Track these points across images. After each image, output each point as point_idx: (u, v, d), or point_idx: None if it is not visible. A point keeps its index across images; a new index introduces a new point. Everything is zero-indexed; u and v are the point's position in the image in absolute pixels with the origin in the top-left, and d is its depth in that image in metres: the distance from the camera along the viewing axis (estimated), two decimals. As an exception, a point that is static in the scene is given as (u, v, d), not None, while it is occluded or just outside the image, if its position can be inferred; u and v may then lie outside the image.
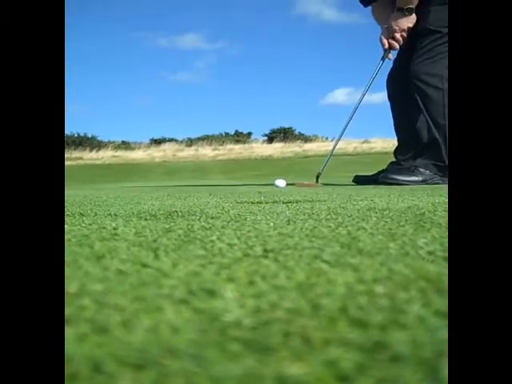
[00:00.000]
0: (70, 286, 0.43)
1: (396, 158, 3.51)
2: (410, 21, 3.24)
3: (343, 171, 3.78)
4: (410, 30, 3.26)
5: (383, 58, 3.46)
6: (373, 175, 3.40)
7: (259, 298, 0.39)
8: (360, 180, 3.51)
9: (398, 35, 3.29)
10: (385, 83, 3.57)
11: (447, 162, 3.19)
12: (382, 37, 3.38)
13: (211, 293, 0.41)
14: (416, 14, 3.23)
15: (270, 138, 27.01)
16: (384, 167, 3.51)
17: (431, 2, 3.17)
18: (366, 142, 20.65)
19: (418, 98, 3.23)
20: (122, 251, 0.62)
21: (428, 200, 1.43)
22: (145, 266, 0.53)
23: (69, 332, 0.32)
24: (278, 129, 28.63)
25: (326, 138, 24.78)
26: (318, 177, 3.41)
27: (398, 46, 3.35)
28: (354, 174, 3.63)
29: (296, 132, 28.26)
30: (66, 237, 0.75)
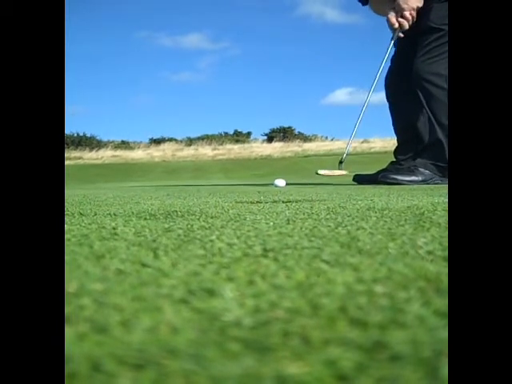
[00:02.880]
0: (70, 286, 0.43)
1: (396, 157, 3.51)
2: (418, 0, 3.16)
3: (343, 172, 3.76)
4: (411, 27, 3.22)
5: (393, 38, 3.34)
6: (373, 174, 3.40)
7: (259, 297, 0.39)
8: (360, 179, 3.50)
9: (407, 13, 3.19)
10: (383, 83, 3.55)
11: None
12: (390, 16, 3.27)
13: (211, 292, 0.41)
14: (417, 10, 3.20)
15: (270, 137, 27.01)
16: (384, 166, 3.50)
17: None
18: (365, 141, 20.66)
19: (421, 97, 3.19)
20: (121, 251, 0.62)
21: (427, 200, 1.43)
22: (144, 265, 0.53)
23: (68, 331, 0.32)
24: (277, 128, 28.63)
25: (326, 138, 24.80)
26: (341, 162, 3.35)
27: (407, 25, 3.24)
28: (354, 173, 3.62)
29: (295, 132, 28.26)
30: (66, 236, 0.75)
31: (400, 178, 3.16)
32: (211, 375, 0.25)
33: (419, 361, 0.26)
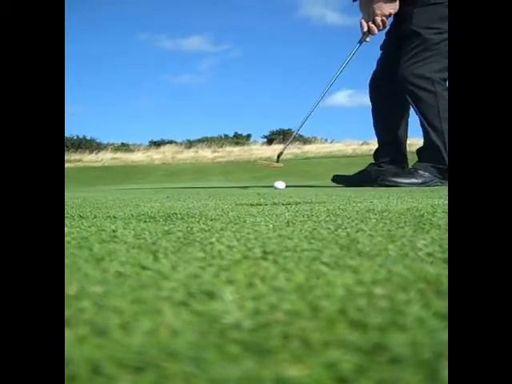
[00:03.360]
0: (70, 288, 0.43)
1: (375, 159, 3.55)
2: (392, 7, 3.21)
3: (342, 173, 3.77)
4: (395, 31, 3.24)
5: (360, 41, 3.40)
6: (351, 175, 3.43)
7: (258, 300, 0.39)
8: (339, 180, 3.51)
9: (378, 19, 3.25)
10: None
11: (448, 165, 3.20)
12: (363, 20, 3.34)
13: (210, 295, 0.41)
14: (399, 14, 3.23)
15: (270, 139, 27.03)
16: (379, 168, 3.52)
17: (414, 3, 3.16)
18: (365, 143, 20.65)
19: (410, 101, 3.22)
20: (121, 253, 0.62)
21: (427, 202, 1.43)
22: (144, 268, 0.53)
23: (68, 334, 0.32)
24: (277, 130, 28.65)
25: (326, 140, 24.79)
26: (279, 156, 3.40)
27: (376, 31, 3.31)
28: (334, 174, 3.64)
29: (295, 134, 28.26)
30: (66, 239, 0.75)
31: (399, 180, 3.17)
32: (211, 378, 0.25)
33: (419, 363, 0.26)
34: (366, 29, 3.32)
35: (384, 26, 3.28)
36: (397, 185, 3.09)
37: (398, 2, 3.19)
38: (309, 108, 3.49)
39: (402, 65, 3.20)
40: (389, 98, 3.31)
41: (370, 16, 3.29)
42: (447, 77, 3.16)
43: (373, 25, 3.29)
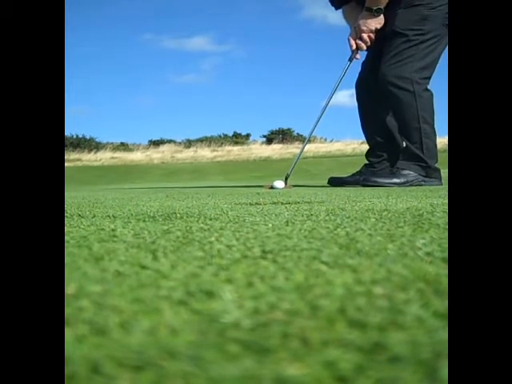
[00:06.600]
0: (69, 288, 0.43)
1: (369, 160, 3.54)
2: (378, 22, 3.22)
3: (342, 172, 3.76)
4: (379, 32, 3.26)
5: (350, 59, 3.43)
6: (347, 177, 3.42)
7: (258, 299, 0.39)
8: (334, 182, 3.50)
9: (365, 36, 3.27)
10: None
11: (429, 163, 3.22)
12: (350, 37, 3.36)
13: (210, 294, 0.41)
14: (384, 16, 3.23)
15: (269, 139, 27.02)
16: (373, 169, 3.52)
17: (397, 4, 3.17)
18: (364, 142, 20.66)
19: (389, 101, 3.23)
20: (120, 253, 0.62)
21: (426, 201, 1.44)
22: (143, 267, 0.53)
23: (67, 333, 0.32)
24: (276, 130, 28.63)
25: (325, 139, 24.77)
26: (286, 178, 3.39)
27: (364, 47, 3.33)
28: (329, 177, 3.63)
29: (295, 133, 28.24)
30: (65, 238, 0.75)
31: (381, 180, 3.17)
32: (210, 377, 0.25)
33: (418, 362, 0.26)
34: (354, 47, 3.36)
35: (371, 42, 3.30)
36: (378, 185, 3.08)
37: (382, 16, 3.21)
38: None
39: (383, 65, 3.22)
40: (376, 98, 3.33)
41: (356, 33, 3.31)
42: (427, 76, 3.18)
43: (360, 41, 3.32)
